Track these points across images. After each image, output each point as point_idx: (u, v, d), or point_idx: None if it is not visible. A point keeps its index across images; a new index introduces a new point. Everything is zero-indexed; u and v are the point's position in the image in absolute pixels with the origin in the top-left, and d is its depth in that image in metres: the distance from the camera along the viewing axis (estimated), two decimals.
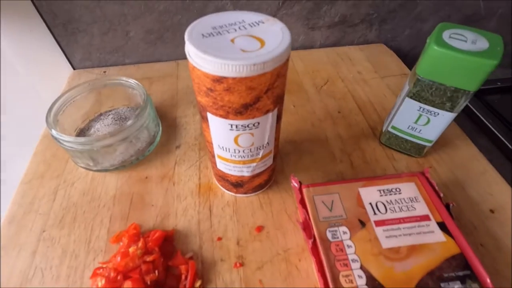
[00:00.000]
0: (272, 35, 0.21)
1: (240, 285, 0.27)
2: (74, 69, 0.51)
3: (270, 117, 0.24)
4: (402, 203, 0.28)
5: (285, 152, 0.38)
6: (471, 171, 0.36)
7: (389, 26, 0.55)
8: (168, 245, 0.29)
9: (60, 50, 0.48)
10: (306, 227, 0.27)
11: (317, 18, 0.52)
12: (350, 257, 0.25)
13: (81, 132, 0.39)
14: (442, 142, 0.39)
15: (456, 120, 0.47)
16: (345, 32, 0.55)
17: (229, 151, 0.26)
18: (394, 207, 0.28)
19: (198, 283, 0.26)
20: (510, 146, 0.48)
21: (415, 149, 0.36)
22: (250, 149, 0.26)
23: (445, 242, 0.25)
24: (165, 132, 0.40)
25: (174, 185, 0.34)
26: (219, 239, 0.30)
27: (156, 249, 0.27)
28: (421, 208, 0.27)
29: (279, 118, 0.26)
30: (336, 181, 0.30)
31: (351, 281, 0.23)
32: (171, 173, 0.35)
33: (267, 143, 0.26)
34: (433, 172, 0.35)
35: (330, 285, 0.23)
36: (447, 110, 0.30)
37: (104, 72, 0.51)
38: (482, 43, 0.27)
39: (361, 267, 0.24)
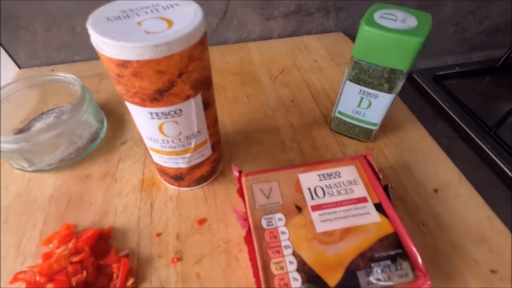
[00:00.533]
0: (183, 16, 0.20)
1: (176, 280, 0.26)
2: (20, 68, 0.49)
3: (193, 104, 0.23)
4: (340, 186, 0.27)
5: (235, 143, 0.37)
6: (418, 152, 0.36)
7: (345, 14, 0.55)
8: (103, 244, 0.27)
9: (2, 49, 0.46)
10: (245, 216, 0.26)
11: (271, 7, 0.51)
12: (283, 243, 0.24)
13: (20, 133, 0.37)
14: (391, 126, 0.39)
15: (413, 104, 0.47)
16: (302, 21, 0.55)
17: (157, 142, 0.25)
18: (332, 191, 0.27)
19: (130, 281, 0.25)
20: (466, 129, 0.49)
21: (363, 134, 0.36)
22: (180, 139, 0.25)
23: (380, 222, 0.25)
24: (111, 128, 0.39)
25: (116, 182, 0.33)
26: (158, 234, 0.29)
27: (86, 248, 0.26)
28: (359, 191, 0.27)
29: (207, 105, 0.25)
30: (276, 168, 0.29)
31: (282, 268, 0.23)
32: (114, 170, 0.34)
33: (198, 132, 0.26)
34: (381, 155, 0.35)
35: (260, 273, 0.23)
36: (385, 92, 0.30)
37: (52, 70, 0.49)
38: (411, 22, 0.27)
39: (293, 253, 0.23)
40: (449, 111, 0.53)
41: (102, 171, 0.34)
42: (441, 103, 0.55)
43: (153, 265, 0.27)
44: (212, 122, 0.27)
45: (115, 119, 0.40)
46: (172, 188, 0.32)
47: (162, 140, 0.25)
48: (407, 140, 0.37)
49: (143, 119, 0.23)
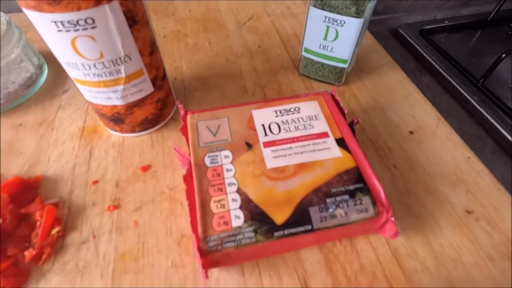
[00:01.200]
0: None
1: (110, 229, 0.23)
2: None
3: (110, 13, 0.19)
4: (299, 122, 0.24)
5: (191, 89, 0.33)
6: (394, 95, 0.32)
7: None
8: (29, 192, 0.24)
9: None
10: (187, 155, 0.23)
11: None
12: (227, 181, 0.21)
13: None
14: (367, 69, 0.35)
15: (398, 59, 0.43)
16: None
17: (78, 68, 0.21)
18: (289, 127, 0.24)
19: (55, 230, 0.22)
20: (453, 82, 0.45)
21: (333, 75, 0.32)
22: (103, 64, 0.21)
23: (341, 157, 0.22)
24: (54, 76, 0.34)
25: (53, 130, 0.29)
26: (95, 182, 0.25)
27: (5, 195, 0.22)
28: (320, 126, 0.24)
29: (133, 21, 0.21)
30: (228, 105, 0.25)
31: (223, 206, 0.20)
32: (52, 118, 0.30)
33: (127, 56, 0.22)
34: (353, 98, 0.32)
35: (198, 211, 0.19)
36: (353, 16, 0.26)
37: None
38: None
39: (238, 190, 0.20)
40: (435, 64, 0.49)
41: (38, 120, 0.30)
42: (427, 56, 0.51)
43: (86, 214, 0.23)
44: (146, 47, 0.23)
45: (60, 68, 0.36)
46: (115, 135, 0.28)
47: (82, 64, 0.21)
48: (383, 84, 0.34)
49: (49, 32, 0.19)
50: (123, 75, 0.22)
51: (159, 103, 0.27)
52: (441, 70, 0.48)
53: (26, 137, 0.29)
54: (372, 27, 0.51)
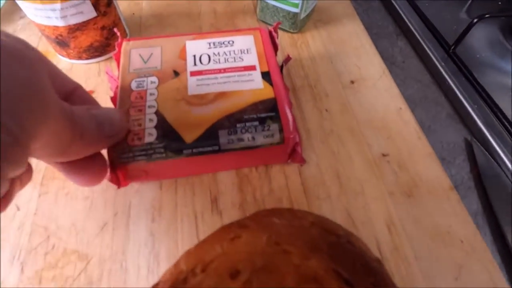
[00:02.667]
0: None
1: None
2: None
3: None
4: (230, 54, 0.25)
5: (146, 25, 0.33)
6: (345, 46, 0.32)
7: None
8: None
9: None
10: (116, 80, 0.24)
11: None
12: (148, 103, 0.22)
13: None
14: (326, 19, 0.35)
15: (378, 20, 0.42)
16: None
17: None
18: (219, 59, 0.24)
19: None
20: (425, 47, 0.45)
21: (288, 21, 0.32)
22: None
23: (261, 89, 0.23)
24: (12, 4, 0.35)
25: None
26: None
27: None
28: (250, 59, 0.24)
29: None
30: (164, 35, 0.26)
31: (140, 125, 0.21)
32: None
33: None
34: (304, 46, 0.32)
35: None
36: None
37: None
38: None
39: (156, 112, 0.22)
40: (412, 28, 0.48)
41: None
42: (406, 20, 0.49)
43: None
44: None
45: None
46: (64, 61, 0.29)
47: None
48: (338, 35, 0.33)
49: None
50: None
51: (105, 31, 0.28)
52: (416, 34, 0.47)
53: None
54: None
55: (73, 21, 0.25)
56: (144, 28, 0.33)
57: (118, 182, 0.20)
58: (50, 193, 0.22)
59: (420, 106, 0.37)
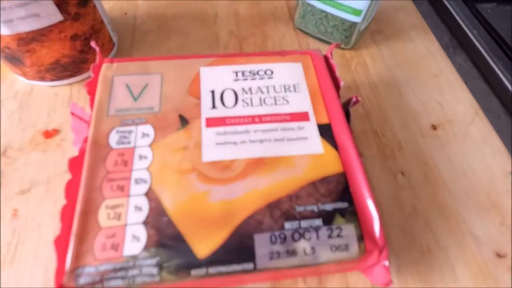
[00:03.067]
0: None
1: None
2: None
3: None
4: (268, 92, 0.16)
5: (143, 31, 0.24)
6: (419, 72, 0.23)
7: None
8: None
9: None
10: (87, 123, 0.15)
11: None
12: (136, 174, 0.13)
13: None
14: (389, 32, 0.26)
15: (431, 28, 0.33)
16: None
17: None
18: (251, 98, 0.16)
19: None
20: (493, 66, 0.36)
21: (339, 32, 0.23)
22: None
23: (321, 155, 0.14)
24: None
25: None
26: None
27: None
28: (299, 102, 0.16)
29: None
30: (167, 56, 0.17)
31: (118, 217, 0.12)
32: None
33: None
34: (361, 68, 0.23)
35: (75, 222, 0.12)
36: None
37: None
38: None
39: (147, 193, 0.13)
40: (475, 41, 0.38)
41: None
42: (466, 30, 0.40)
43: None
44: None
45: None
46: (22, 82, 0.21)
47: None
48: (406, 54, 0.24)
49: None
50: None
51: (79, 42, 0.19)
52: (481, 49, 0.37)
53: None
54: None
55: (24, 27, 0.16)
56: (139, 35, 0.24)
57: None
58: None
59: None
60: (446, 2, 0.42)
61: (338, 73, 0.17)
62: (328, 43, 0.24)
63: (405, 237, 0.17)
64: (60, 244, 0.12)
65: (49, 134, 0.18)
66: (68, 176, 0.17)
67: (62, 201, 0.16)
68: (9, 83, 0.21)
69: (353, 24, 0.22)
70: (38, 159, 0.18)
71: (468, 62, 0.39)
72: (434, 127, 0.21)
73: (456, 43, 0.41)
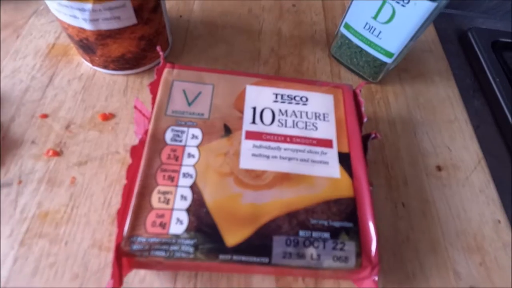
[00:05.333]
0: None
1: (41, 177, 0.19)
2: None
3: None
4: (301, 117, 0.18)
5: (194, 35, 0.27)
6: (436, 116, 0.26)
7: None
8: None
9: None
10: (147, 119, 0.18)
11: None
12: (184, 169, 0.16)
13: None
14: (414, 72, 0.28)
15: (455, 68, 0.35)
16: None
17: None
18: (286, 120, 0.18)
19: None
20: (507, 112, 0.37)
21: (370, 68, 0.25)
22: None
23: (338, 179, 0.17)
24: None
25: (18, 38, 0.24)
26: (44, 116, 0.21)
27: None
28: (326, 130, 0.18)
29: None
30: (220, 70, 0.20)
31: (167, 201, 0.15)
32: (22, 23, 0.25)
33: None
34: (384, 103, 0.25)
35: (133, 200, 0.15)
36: None
37: None
38: None
39: (193, 186, 0.16)
40: (495, 87, 0.40)
41: (5, 20, 0.25)
42: (489, 75, 0.42)
43: (20, 151, 0.19)
44: None
45: None
46: (86, 66, 0.24)
47: None
48: (427, 96, 0.27)
49: None
50: None
51: (144, 42, 0.22)
52: (498, 95, 0.39)
53: None
54: (436, 20, 0.42)
55: (105, 26, 0.19)
56: (190, 38, 0.27)
57: (120, 278, 0.15)
58: (31, 259, 0.16)
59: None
60: (475, 46, 0.44)
61: (363, 109, 0.19)
62: (358, 74, 0.26)
63: (395, 261, 0.19)
64: (120, 215, 0.15)
65: (105, 117, 0.21)
66: (118, 157, 0.20)
67: (111, 176, 0.19)
68: (74, 65, 0.24)
69: (384, 63, 0.24)
70: (94, 137, 0.21)
71: (484, 106, 0.41)
72: (439, 168, 0.23)
73: (477, 86, 0.42)
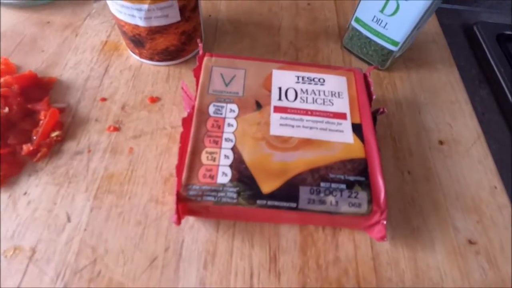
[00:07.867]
0: None
1: (106, 147, 0.23)
2: None
3: None
4: (319, 95, 0.22)
5: (222, 31, 0.31)
6: (438, 97, 0.29)
7: None
8: (40, 91, 0.24)
9: None
10: (193, 97, 0.22)
11: None
12: (226, 135, 0.20)
13: None
14: (419, 61, 0.31)
15: (461, 60, 0.38)
16: None
17: None
18: (307, 97, 0.22)
19: (55, 133, 0.22)
20: (511, 100, 0.39)
21: (378, 56, 0.28)
22: None
23: (351, 144, 0.20)
24: None
25: (77, 36, 0.29)
26: (103, 99, 0.25)
27: (15, 86, 0.23)
28: (341, 105, 0.22)
29: None
30: (249, 57, 0.23)
31: (214, 159, 0.19)
32: (79, 24, 0.30)
33: None
34: (391, 87, 0.29)
35: (187, 158, 0.19)
36: None
37: None
38: None
39: (233, 148, 0.19)
40: (500, 77, 0.43)
41: (65, 22, 0.29)
42: (494, 66, 0.44)
43: (87, 127, 0.24)
44: None
45: None
46: (134, 59, 0.28)
47: None
48: (430, 81, 0.30)
49: None
50: None
51: (184, 36, 0.26)
52: (503, 85, 0.42)
53: (51, 36, 0.28)
54: (443, 17, 0.45)
55: (156, 23, 0.23)
56: (219, 34, 0.30)
57: (179, 218, 0.18)
58: (103, 209, 0.20)
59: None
60: (480, 38, 0.46)
61: (372, 88, 0.23)
62: (368, 63, 0.30)
63: (402, 218, 0.22)
64: (178, 169, 0.18)
65: (153, 100, 0.25)
66: (165, 132, 0.24)
67: (161, 147, 0.23)
68: (124, 58, 0.28)
69: (390, 52, 0.27)
70: (145, 116, 0.25)
71: (490, 96, 0.43)
72: (441, 142, 0.26)
73: (482, 77, 0.45)
